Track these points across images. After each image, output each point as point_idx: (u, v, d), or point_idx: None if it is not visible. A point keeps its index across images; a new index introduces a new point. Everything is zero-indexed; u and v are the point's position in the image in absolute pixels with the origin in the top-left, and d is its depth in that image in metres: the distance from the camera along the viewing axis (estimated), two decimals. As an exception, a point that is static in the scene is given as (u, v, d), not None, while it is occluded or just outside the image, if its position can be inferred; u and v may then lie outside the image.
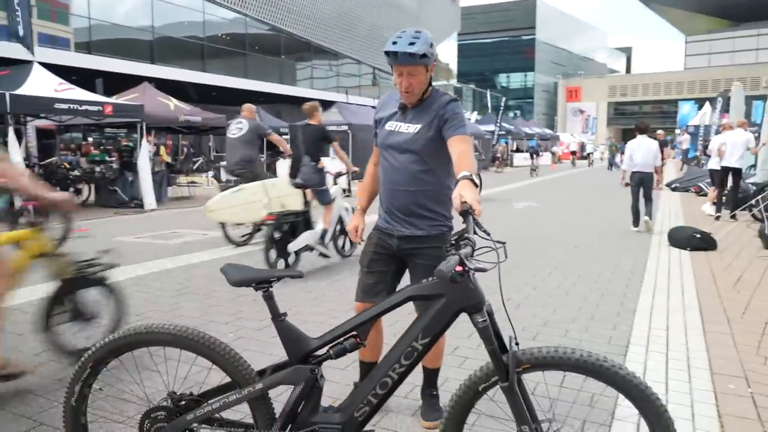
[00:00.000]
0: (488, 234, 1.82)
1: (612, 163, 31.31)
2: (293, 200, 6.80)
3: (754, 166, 15.04)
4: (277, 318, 1.96)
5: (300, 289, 5.42)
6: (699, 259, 6.93)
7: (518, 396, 1.78)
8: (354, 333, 1.92)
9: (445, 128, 2.49)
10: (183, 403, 2.00)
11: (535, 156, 26.95)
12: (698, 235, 7.45)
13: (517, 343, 1.83)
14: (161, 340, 1.98)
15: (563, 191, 17.42)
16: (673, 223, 9.29)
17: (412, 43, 2.33)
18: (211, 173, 21.74)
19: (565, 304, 4.98)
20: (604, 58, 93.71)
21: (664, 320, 4.52)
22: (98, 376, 2.08)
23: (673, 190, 16.61)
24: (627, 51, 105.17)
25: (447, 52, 55.29)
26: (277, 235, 5.88)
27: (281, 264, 5.93)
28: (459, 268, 1.71)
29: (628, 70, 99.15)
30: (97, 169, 14.69)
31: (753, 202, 9.70)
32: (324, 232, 6.35)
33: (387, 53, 2.38)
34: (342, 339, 1.92)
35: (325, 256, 6.41)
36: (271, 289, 1.97)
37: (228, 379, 2.00)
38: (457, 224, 2.16)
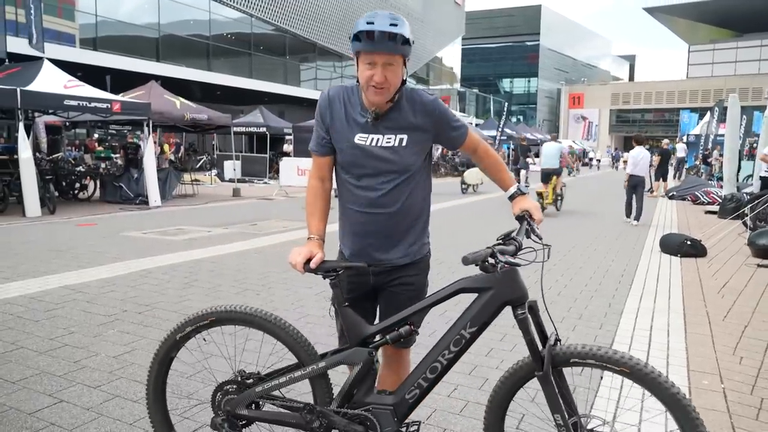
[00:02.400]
0: (540, 238, 2.03)
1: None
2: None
3: (751, 176, 15.26)
4: (341, 305, 2.11)
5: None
6: (688, 265, 7.15)
7: (553, 385, 1.94)
8: (409, 321, 2.08)
9: (447, 132, 2.17)
10: (250, 380, 2.19)
11: (578, 160, 34.01)
12: (689, 242, 7.66)
13: (558, 339, 2.00)
14: (240, 319, 2.16)
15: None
16: (667, 231, 9.51)
17: (393, 24, 1.92)
18: (214, 171, 21.98)
19: (555, 304, 5.19)
20: (607, 65, 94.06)
21: (648, 321, 4.73)
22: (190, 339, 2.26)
23: (671, 198, 16.82)
24: (630, 59, 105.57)
25: (451, 56, 55.47)
26: None
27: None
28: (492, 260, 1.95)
29: (631, 78, 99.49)
30: (102, 165, 14.94)
31: (746, 210, 9.91)
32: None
33: (358, 37, 1.93)
34: (397, 326, 2.07)
35: None
36: (338, 277, 2.11)
37: (290, 363, 2.19)
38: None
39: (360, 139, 2.09)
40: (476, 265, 1.94)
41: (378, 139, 2.08)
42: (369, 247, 2.18)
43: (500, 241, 2.01)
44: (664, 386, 1.81)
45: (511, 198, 2.22)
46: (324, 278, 2.11)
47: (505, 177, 2.28)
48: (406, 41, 1.94)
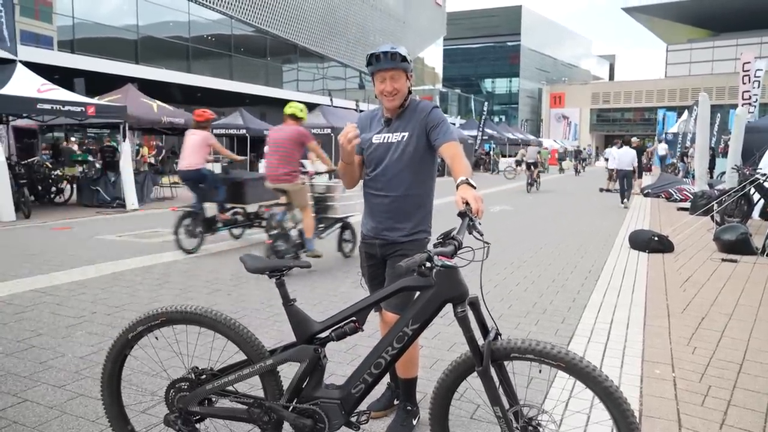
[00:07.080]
0: (481, 234, 2.05)
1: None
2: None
3: (725, 173, 15.56)
4: (287, 303, 2.19)
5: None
6: (655, 260, 7.32)
7: (492, 380, 2.02)
8: (353, 318, 2.15)
9: (434, 135, 2.61)
10: (204, 376, 2.25)
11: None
12: (656, 238, 7.85)
13: (499, 334, 2.08)
14: (190, 319, 2.22)
15: (537, 195, 17.84)
16: (639, 227, 9.71)
17: (393, 47, 2.53)
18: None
19: (521, 300, 5.31)
20: (588, 65, 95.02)
21: (610, 315, 4.86)
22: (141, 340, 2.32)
23: (646, 195, 17.10)
24: (610, 58, 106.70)
25: (433, 57, 55.68)
26: None
27: None
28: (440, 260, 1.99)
29: (611, 78, 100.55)
30: (80, 168, 14.83)
31: (714, 205, 10.15)
32: None
33: (369, 62, 2.54)
34: (343, 323, 2.16)
35: None
36: (283, 277, 2.21)
37: (242, 358, 2.26)
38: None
39: (376, 139, 2.73)
40: (413, 271, 2.01)
41: (388, 137, 2.70)
42: (379, 224, 2.73)
43: (439, 241, 2.06)
44: (598, 379, 1.91)
45: (457, 186, 2.26)
46: (269, 278, 2.20)
47: (456, 173, 2.40)
48: (404, 59, 2.53)
